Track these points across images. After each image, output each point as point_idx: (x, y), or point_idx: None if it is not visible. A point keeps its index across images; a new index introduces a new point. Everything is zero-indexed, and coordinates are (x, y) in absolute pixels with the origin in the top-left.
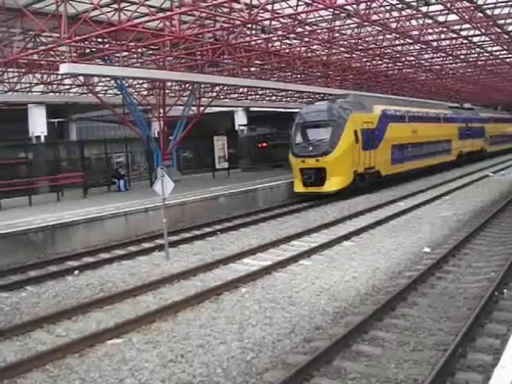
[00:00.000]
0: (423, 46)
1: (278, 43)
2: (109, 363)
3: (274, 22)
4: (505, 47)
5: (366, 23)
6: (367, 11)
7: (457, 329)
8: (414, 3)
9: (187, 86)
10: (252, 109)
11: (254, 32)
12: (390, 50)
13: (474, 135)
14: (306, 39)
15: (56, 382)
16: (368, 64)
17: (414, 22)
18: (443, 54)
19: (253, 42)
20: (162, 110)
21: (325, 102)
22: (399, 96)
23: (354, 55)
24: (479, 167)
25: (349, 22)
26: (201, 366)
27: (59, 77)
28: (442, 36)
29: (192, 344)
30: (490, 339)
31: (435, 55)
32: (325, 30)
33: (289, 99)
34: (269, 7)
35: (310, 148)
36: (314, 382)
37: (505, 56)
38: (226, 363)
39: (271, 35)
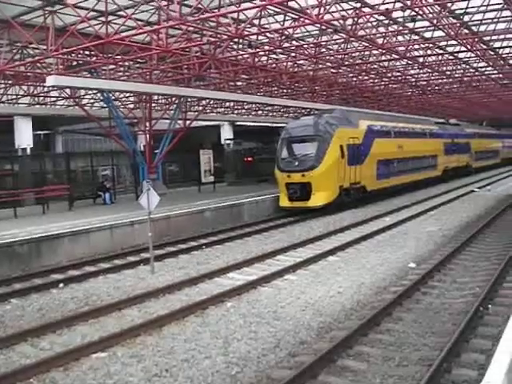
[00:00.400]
0: (409, 62)
1: (265, 58)
2: (93, 377)
3: (260, 37)
4: (490, 63)
5: (353, 39)
6: (354, 27)
7: (442, 344)
8: (401, 19)
9: (173, 99)
10: (238, 123)
11: (240, 46)
12: (376, 66)
13: (460, 151)
14: (293, 54)
15: None
16: (354, 79)
17: (400, 38)
18: (429, 70)
19: (239, 57)
20: (148, 124)
21: (311, 117)
22: (385, 111)
23: (340, 70)
24: (465, 182)
25: (335, 37)
26: (185, 380)
27: (46, 89)
28: (428, 52)
29: (177, 358)
30: (475, 354)
31: (421, 71)
32: (311, 45)
33: (275, 114)
34: (256, 22)
35: (296, 163)
36: None
37: (490, 72)
38: (210, 378)
39: (258, 50)
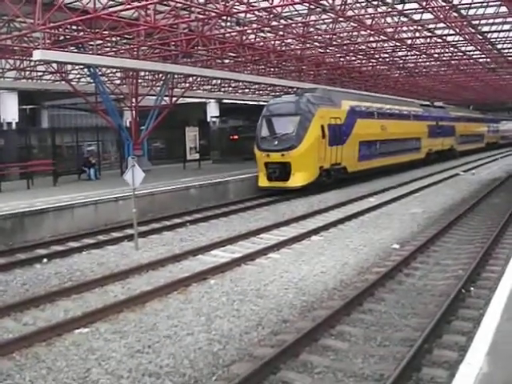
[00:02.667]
0: (397, 44)
1: (253, 36)
2: (76, 352)
3: (249, 15)
4: (478, 47)
5: (341, 19)
6: (343, 7)
7: (424, 325)
8: (390, 1)
9: (160, 76)
10: (225, 101)
11: (228, 24)
12: (364, 47)
13: (444, 134)
14: (281, 33)
15: (23, 371)
16: (342, 60)
17: (389, 20)
18: (417, 52)
19: (227, 35)
20: (134, 100)
21: (292, 96)
22: (372, 93)
23: (328, 50)
24: (450, 166)
25: (324, 17)
26: (168, 356)
27: (32, 63)
28: (417, 34)
29: (159, 335)
30: (457, 336)
31: (409, 53)
32: (300, 25)
33: (262, 92)
34: (244, 0)
35: (276, 142)
36: (281, 375)
37: (478, 56)
38: (192, 354)
39: (246, 28)
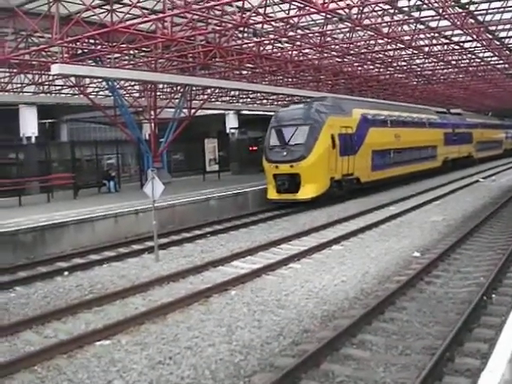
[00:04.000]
0: (415, 52)
1: (270, 47)
2: (97, 364)
3: (265, 26)
4: (496, 53)
5: (358, 28)
6: (359, 16)
7: (445, 333)
8: (406, 8)
9: (179, 88)
10: (243, 112)
11: (245, 35)
12: (381, 55)
13: (461, 141)
14: (298, 43)
15: (44, 383)
16: (360, 69)
17: (405, 27)
18: (435, 60)
19: (244, 46)
20: (153, 112)
21: (301, 105)
22: (390, 101)
23: (345, 59)
24: (469, 173)
25: (341, 26)
26: (189, 368)
27: (51, 77)
28: (434, 41)
29: (180, 346)
30: (478, 344)
31: (427, 60)
32: (317, 34)
33: (280, 103)
34: (261, 10)
35: (284, 153)
36: None
37: (496, 62)
38: (214, 365)
39: (263, 39)
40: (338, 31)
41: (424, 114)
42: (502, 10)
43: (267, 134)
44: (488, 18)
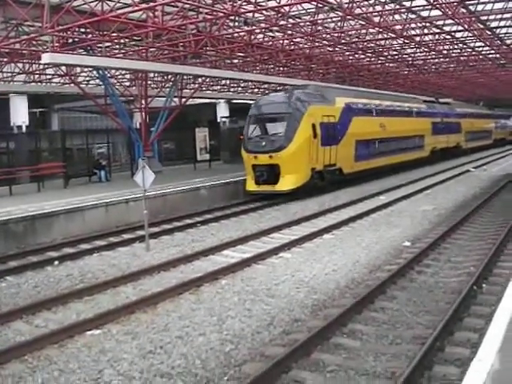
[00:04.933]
0: (406, 41)
1: (261, 36)
2: (88, 354)
3: (256, 15)
4: (487, 43)
5: (349, 17)
6: (350, 5)
7: (435, 322)
8: None
9: (169, 77)
10: (234, 101)
11: (236, 24)
12: (372, 44)
13: (450, 131)
14: (289, 32)
15: (35, 373)
16: (351, 58)
17: (397, 17)
18: (426, 49)
19: (235, 34)
20: (143, 101)
21: (281, 93)
22: (382, 90)
23: (336, 49)
24: (460, 162)
25: (332, 15)
26: (180, 357)
27: (41, 66)
28: (425, 31)
29: (171, 335)
30: (468, 333)
31: (418, 50)
32: (308, 23)
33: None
34: None
35: (263, 143)
36: (293, 374)
37: (487, 52)
38: (204, 355)
39: (254, 27)
40: (329, 20)
41: (411, 103)
42: None
43: (246, 124)
44: (479, 7)
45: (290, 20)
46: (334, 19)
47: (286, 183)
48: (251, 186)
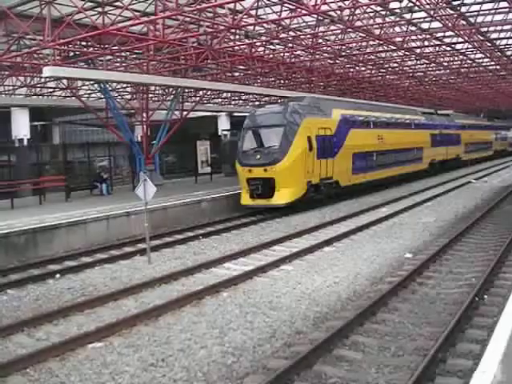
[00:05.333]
0: (406, 53)
1: (262, 48)
2: (90, 367)
3: (257, 28)
4: (487, 55)
5: (350, 29)
6: (351, 17)
7: (437, 334)
8: (398, 10)
9: (171, 90)
10: (235, 114)
11: (237, 37)
12: (373, 57)
13: (449, 142)
14: (290, 45)
15: None
16: (352, 70)
17: (397, 29)
18: (426, 61)
19: (236, 47)
20: (145, 115)
21: (276, 105)
22: (382, 102)
23: (337, 61)
24: (461, 174)
25: (332, 28)
26: (181, 370)
27: (43, 80)
28: (426, 43)
29: (173, 348)
30: (471, 344)
31: (418, 62)
32: (308, 36)
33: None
34: (253, 12)
35: (258, 156)
36: None
37: (487, 63)
38: (206, 367)
39: (255, 40)
40: (329, 33)
41: (409, 115)
42: (493, 11)
43: (240, 136)
44: (479, 19)
45: (291, 33)
46: (334, 32)
47: (281, 197)
48: (246, 200)
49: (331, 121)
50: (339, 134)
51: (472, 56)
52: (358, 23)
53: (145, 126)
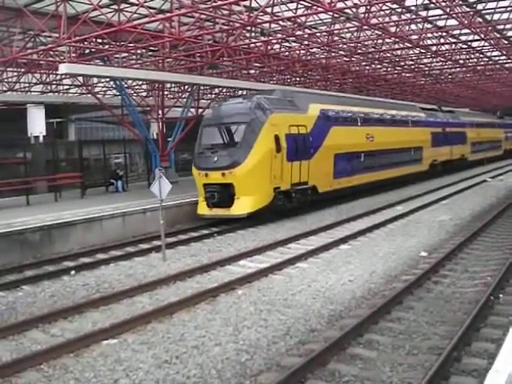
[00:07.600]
0: (422, 51)
1: (278, 46)
2: (104, 363)
3: (273, 25)
4: (504, 52)
5: (366, 27)
6: (366, 15)
7: (452, 333)
8: (414, 7)
9: (186, 87)
10: None
11: (253, 34)
12: (389, 54)
13: (453, 141)
14: (306, 42)
15: (51, 382)
16: (367, 68)
17: (413, 27)
18: (442, 59)
19: (252, 45)
20: (160, 112)
21: (239, 100)
22: (399, 100)
23: (353, 59)
24: (476, 173)
25: (348, 25)
26: (195, 367)
27: (58, 77)
28: (442, 40)
29: (187, 345)
30: (486, 344)
31: (434, 60)
32: (324, 34)
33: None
34: (268, 10)
35: (215, 158)
36: None
37: (504, 61)
38: (220, 365)
39: (271, 38)
40: (345, 30)
41: (406, 111)
42: (510, 8)
43: (198, 136)
44: (496, 16)
45: (307, 30)
46: (350, 29)
47: (241, 206)
48: (202, 209)
49: (307, 117)
50: (317, 132)
51: (488, 54)
52: (374, 21)
53: (160, 124)
